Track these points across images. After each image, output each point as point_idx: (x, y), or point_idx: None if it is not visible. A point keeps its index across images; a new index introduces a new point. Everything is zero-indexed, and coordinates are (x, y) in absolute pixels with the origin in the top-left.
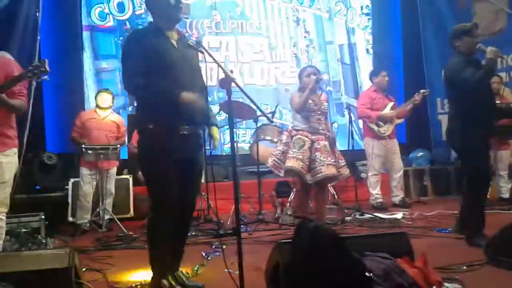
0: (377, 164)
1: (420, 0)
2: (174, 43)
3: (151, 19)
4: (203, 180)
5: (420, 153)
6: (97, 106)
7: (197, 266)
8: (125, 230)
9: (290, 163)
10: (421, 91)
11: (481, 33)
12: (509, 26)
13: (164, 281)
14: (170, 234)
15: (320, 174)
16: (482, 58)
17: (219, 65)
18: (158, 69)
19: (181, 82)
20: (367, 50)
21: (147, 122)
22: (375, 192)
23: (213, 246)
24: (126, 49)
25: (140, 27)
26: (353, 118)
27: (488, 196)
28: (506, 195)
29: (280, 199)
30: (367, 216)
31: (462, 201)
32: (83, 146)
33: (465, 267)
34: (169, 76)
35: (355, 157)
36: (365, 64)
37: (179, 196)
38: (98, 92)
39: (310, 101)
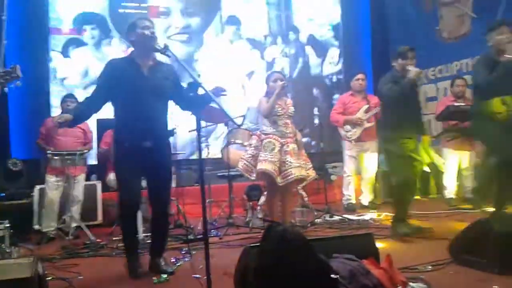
0: (350, 165)
1: (389, 5)
2: (145, 71)
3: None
4: (174, 185)
5: None
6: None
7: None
8: (92, 238)
9: (263, 165)
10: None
11: (447, 37)
12: (473, 30)
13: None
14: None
15: (291, 176)
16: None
17: (186, 70)
18: (124, 94)
19: (141, 106)
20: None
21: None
22: (347, 193)
23: (183, 252)
24: (100, 74)
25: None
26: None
27: (453, 196)
28: (470, 195)
29: (251, 203)
30: (336, 218)
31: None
32: (48, 152)
33: (430, 267)
34: (131, 100)
35: (325, 159)
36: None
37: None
38: (63, 98)
39: (277, 106)
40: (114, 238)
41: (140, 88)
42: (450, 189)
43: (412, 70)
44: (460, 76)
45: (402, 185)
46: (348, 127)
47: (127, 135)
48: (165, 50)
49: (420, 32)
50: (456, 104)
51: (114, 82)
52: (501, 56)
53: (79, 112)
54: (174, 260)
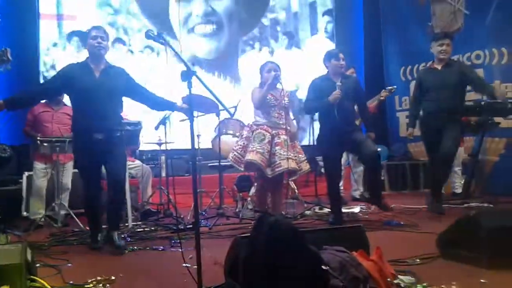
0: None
1: (382, 0)
2: (97, 74)
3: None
4: (164, 174)
5: (378, 149)
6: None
7: None
8: (81, 225)
9: (250, 156)
10: (388, 88)
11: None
12: (465, 26)
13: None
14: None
15: (280, 168)
16: None
17: (180, 58)
18: (78, 93)
19: (92, 103)
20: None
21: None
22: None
23: (172, 241)
24: (58, 71)
25: None
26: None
27: (442, 191)
28: (458, 190)
29: (241, 194)
30: (326, 210)
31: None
32: (38, 138)
33: (418, 260)
34: (84, 98)
35: (315, 152)
36: None
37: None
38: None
39: (270, 96)
40: (103, 226)
41: (91, 88)
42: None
43: (333, 95)
44: None
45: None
46: None
47: (81, 129)
48: (159, 38)
49: (413, 27)
50: None
51: (69, 81)
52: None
53: (15, 99)
54: (162, 248)
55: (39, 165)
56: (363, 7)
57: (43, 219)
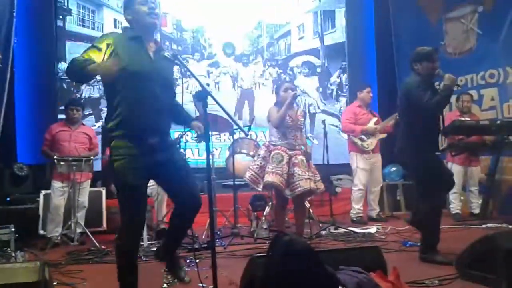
0: (362, 178)
1: (394, 19)
2: (151, 53)
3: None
4: None
5: (393, 168)
6: (66, 119)
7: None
8: (97, 244)
9: (270, 178)
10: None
11: (452, 52)
12: (478, 45)
13: None
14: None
15: (299, 188)
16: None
17: (195, 78)
18: (127, 77)
19: (150, 94)
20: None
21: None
22: (358, 206)
23: (187, 261)
24: (94, 43)
25: None
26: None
27: (459, 211)
28: (476, 211)
29: (255, 213)
30: (341, 230)
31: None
32: (55, 157)
33: (437, 282)
34: (135, 84)
35: (330, 171)
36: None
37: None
38: (67, 104)
39: (287, 117)
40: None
41: (147, 73)
42: (456, 204)
43: (448, 76)
44: (465, 91)
45: (435, 206)
46: (364, 137)
47: (131, 131)
48: (174, 59)
49: (425, 46)
50: (461, 119)
51: (119, 59)
52: None
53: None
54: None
55: (57, 184)
56: (374, 26)
57: (59, 238)
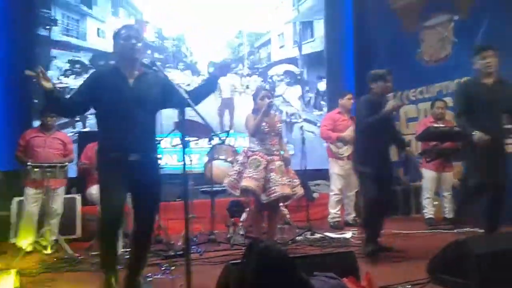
0: (338, 183)
1: (372, 28)
2: (131, 81)
3: None
4: None
5: None
6: (41, 125)
7: None
8: (71, 251)
9: (246, 182)
10: None
11: (429, 59)
12: (453, 53)
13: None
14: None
15: (275, 194)
16: None
17: (174, 85)
18: (109, 105)
19: (126, 117)
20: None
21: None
22: (334, 211)
23: (162, 268)
24: (83, 82)
25: None
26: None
27: (432, 216)
28: (449, 215)
29: (232, 219)
30: (317, 235)
31: None
32: (28, 164)
33: (409, 286)
34: (116, 111)
35: (307, 177)
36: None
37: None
38: (42, 111)
39: (264, 124)
40: (92, 253)
41: (126, 99)
42: (429, 209)
43: (390, 104)
44: (440, 98)
45: (373, 204)
46: (340, 144)
47: (112, 147)
48: (152, 66)
49: (402, 54)
50: (436, 125)
51: (98, 92)
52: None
53: (65, 101)
54: (150, 275)
55: (30, 191)
56: (353, 35)
57: (32, 245)
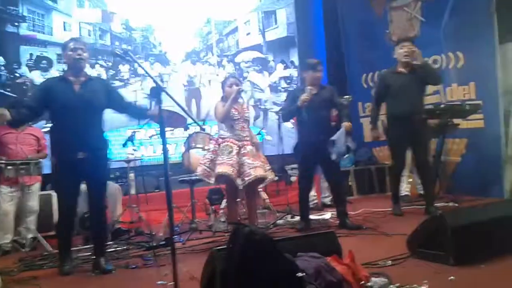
0: None
1: (342, 9)
2: (76, 87)
3: None
4: (133, 192)
5: (345, 155)
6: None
7: None
8: (50, 248)
9: (221, 168)
10: (345, 97)
11: (397, 40)
12: (421, 33)
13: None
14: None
15: (250, 177)
16: None
17: (148, 75)
18: (57, 110)
19: (73, 120)
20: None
21: None
22: (312, 193)
23: (145, 259)
24: (34, 91)
25: None
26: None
27: (408, 193)
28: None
29: (213, 207)
30: (298, 218)
31: None
32: (1, 162)
33: (390, 262)
34: (64, 115)
35: (285, 161)
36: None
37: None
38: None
39: (233, 110)
40: (71, 249)
41: (72, 103)
42: (405, 186)
43: (301, 97)
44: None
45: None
46: None
47: (62, 147)
48: (125, 56)
49: (373, 35)
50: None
51: (48, 99)
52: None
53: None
54: (135, 267)
55: (4, 189)
56: (323, 18)
57: (10, 245)
